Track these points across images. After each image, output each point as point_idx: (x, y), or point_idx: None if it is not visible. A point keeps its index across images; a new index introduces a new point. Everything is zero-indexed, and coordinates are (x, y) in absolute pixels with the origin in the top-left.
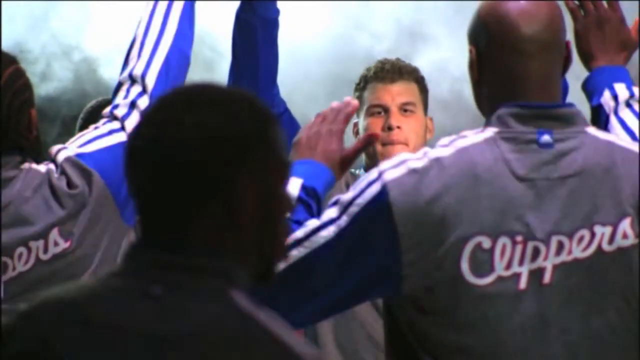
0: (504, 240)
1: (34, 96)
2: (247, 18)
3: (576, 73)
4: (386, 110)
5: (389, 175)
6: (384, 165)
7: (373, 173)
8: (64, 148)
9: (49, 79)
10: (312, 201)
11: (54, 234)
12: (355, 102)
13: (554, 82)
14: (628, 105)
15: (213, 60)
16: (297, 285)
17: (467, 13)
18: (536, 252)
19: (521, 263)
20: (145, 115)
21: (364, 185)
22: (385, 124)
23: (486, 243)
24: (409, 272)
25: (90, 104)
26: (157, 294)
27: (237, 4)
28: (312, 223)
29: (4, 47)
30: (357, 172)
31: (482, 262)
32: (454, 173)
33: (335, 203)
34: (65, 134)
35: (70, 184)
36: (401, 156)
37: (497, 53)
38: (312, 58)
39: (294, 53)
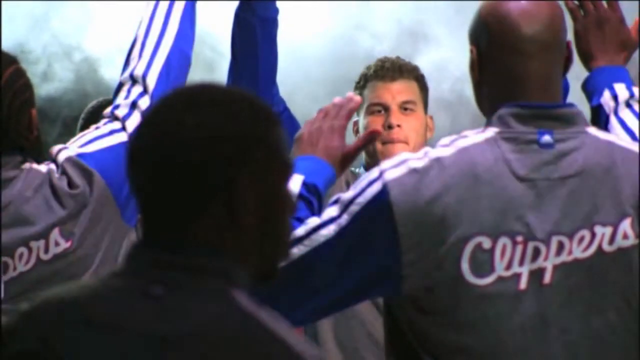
0: (504, 241)
1: (34, 96)
2: (246, 17)
3: (576, 73)
4: (386, 108)
5: (390, 175)
6: (384, 164)
7: (374, 172)
8: (65, 148)
9: (49, 80)
10: (313, 198)
11: (55, 234)
12: (358, 97)
13: (555, 82)
14: (628, 105)
15: (214, 60)
16: (297, 283)
17: (468, 13)
18: (536, 253)
19: (521, 263)
20: (146, 115)
21: (364, 185)
22: (386, 122)
23: (486, 243)
24: (409, 272)
25: (91, 104)
26: (157, 294)
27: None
28: (313, 221)
29: (5, 48)
30: (357, 170)
31: (483, 262)
32: (454, 173)
33: (335, 202)
34: (66, 134)
35: (71, 184)
36: (402, 156)
37: (498, 53)
38: (312, 58)
39: (295, 53)
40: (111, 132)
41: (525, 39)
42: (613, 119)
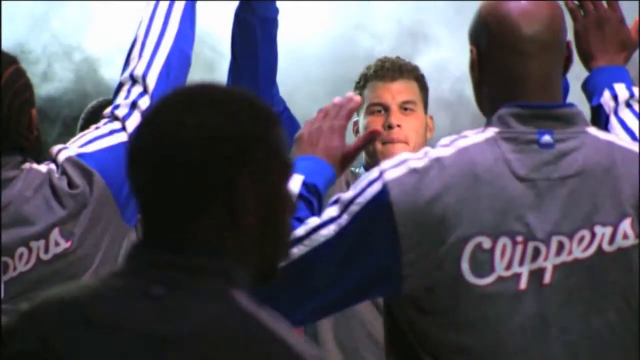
0: (504, 241)
1: (34, 96)
2: (246, 17)
3: (576, 73)
4: (386, 108)
5: (390, 175)
6: (384, 164)
7: (374, 172)
8: (65, 148)
9: (50, 80)
10: (313, 198)
11: (55, 234)
12: (358, 97)
13: (555, 82)
14: (628, 105)
15: (214, 60)
16: (297, 283)
17: (468, 13)
18: (536, 253)
19: (521, 263)
20: (146, 115)
21: (364, 185)
22: (386, 122)
23: (486, 243)
24: (409, 272)
25: (91, 104)
26: (157, 294)
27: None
28: (313, 221)
29: (5, 47)
30: (357, 170)
31: (483, 262)
32: (454, 173)
33: (335, 202)
34: (66, 135)
35: (71, 184)
36: (402, 156)
37: (498, 53)
38: (312, 58)
39: (295, 53)
40: (111, 132)
41: (525, 39)
42: (613, 119)
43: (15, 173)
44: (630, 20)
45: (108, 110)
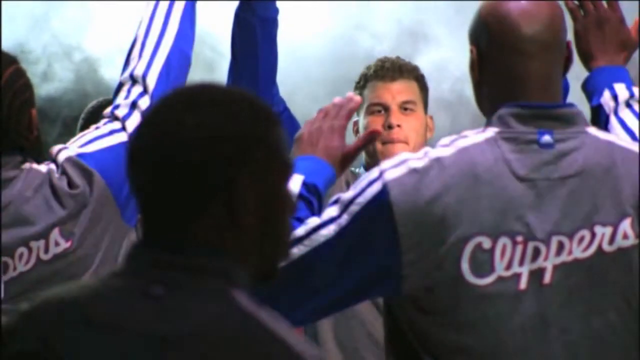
0: (504, 241)
1: (34, 96)
2: (246, 17)
3: (576, 73)
4: (386, 108)
5: (390, 175)
6: (384, 164)
7: (374, 172)
8: (65, 148)
9: (50, 80)
10: (313, 198)
11: (55, 234)
12: (358, 97)
13: (555, 82)
14: (628, 105)
15: (214, 60)
16: (297, 283)
17: (468, 13)
18: (536, 253)
19: (521, 263)
20: (146, 115)
21: (364, 185)
22: (386, 122)
23: (486, 243)
24: (409, 272)
25: (91, 104)
26: (157, 294)
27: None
28: (313, 221)
29: (5, 48)
30: (357, 170)
31: (483, 262)
32: (454, 173)
33: (335, 202)
34: (66, 135)
35: (71, 184)
36: (402, 156)
37: (498, 53)
38: (312, 58)
39: (295, 53)
40: (111, 132)
41: (526, 39)
42: (613, 119)
43: (15, 173)
44: (630, 20)
45: (108, 110)
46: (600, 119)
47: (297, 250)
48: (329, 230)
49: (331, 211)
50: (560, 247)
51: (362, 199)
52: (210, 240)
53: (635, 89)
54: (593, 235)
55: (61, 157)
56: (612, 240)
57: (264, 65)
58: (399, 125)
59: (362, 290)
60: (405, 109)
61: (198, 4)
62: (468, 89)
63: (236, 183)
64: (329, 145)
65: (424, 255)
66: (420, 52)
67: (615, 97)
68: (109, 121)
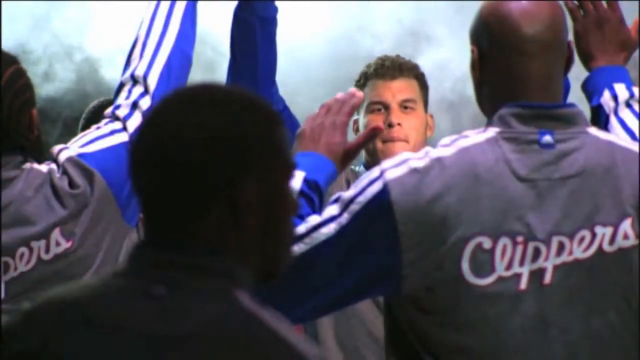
0: (504, 241)
1: (34, 96)
2: (245, 17)
3: (576, 73)
4: (386, 107)
5: (391, 174)
6: (385, 164)
7: (375, 171)
8: (66, 148)
9: (50, 80)
10: (314, 195)
11: (56, 233)
12: (360, 93)
13: (556, 82)
14: (628, 105)
15: (215, 60)
16: (297, 282)
17: (469, 13)
18: (537, 253)
19: (522, 263)
20: (148, 116)
21: (365, 184)
22: (386, 121)
23: (487, 243)
24: (409, 271)
25: (92, 104)
26: (159, 294)
27: None
28: (314, 219)
29: (6, 48)
30: (358, 169)
31: (483, 263)
32: (455, 173)
33: (336, 200)
34: (67, 135)
35: (72, 184)
36: (403, 155)
37: (499, 53)
38: (313, 59)
39: (295, 54)
40: (112, 132)
41: (527, 39)
42: (613, 119)
43: (16, 173)
44: (630, 20)
45: (109, 110)
46: (600, 119)
47: (297, 249)
48: (330, 229)
49: (332, 210)
50: (561, 247)
51: (362, 198)
52: (212, 240)
53: (635, 89)
54: (593, 235)
55: (62, 157)
56: (612, 240)
57: (264, 65)
58: (399, 124)
59: (362, 289)
60: (406, 107)
61: (199, 4)
62: (469, 89)
63: (238, 183)
64: (330, 141)
65: (424, 255)
66: (421, 52)
67: (615, 97)
68: (110, 121)
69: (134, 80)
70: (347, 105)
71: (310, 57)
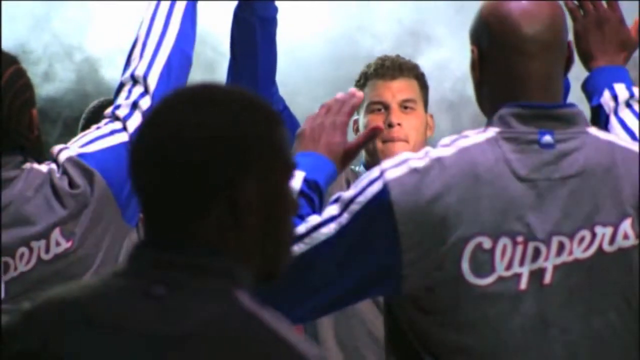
0: (504, 241)
1: (34, 96)
2: (245, 17)
3: (576, 73)
4: (386, 107)
5: (391, 174)
6: (385, 164)
7: (375, 171)
8: (66, 148)
9: (51, 80)
10: (314, 195)
11: (56, 233)
12: (360, 93)
13: (556, 82)
14: (628, 105)
15: (215, 60)
16: (296, 281)
17: (468, 13)
18: (537, 253)
19: (522, 263)
20: (148, 116)
21: (365, 184)
22: (386, 121)
23: (487, 243)
24: (409, 271)
25: (92, 104)
26: (159, 294)
27: None
28: (314, 219)
29: (6, 48)
30: (357, 169)
31: (483, 263)
32: (455, 173)
33: (336, 200)
34: (67, 135)
35: (72, 184)
36: (403, 155)
37: (499, 53)
38: (313, 59)
39: (295, 54)
40: (112, 132)
41: (527, 39)
42: (613, 119)
43: (16, 173)
44: (630, 20)
45: (109, 110)
46: (600, 119)
47: (297, 248)
48: (330, 229)
49: (332, 210)
50: (561, 247)
51: (362, 198)
52: (212, 240)
53: (635, 89)
54: (593, 235)
55: (62, 157)
56: (612, 240)
57: (264, 65)
58: (399, 124)
59: (362, 289)
60: (406, 107)
61: (199, 4)
62: (469, 89)
63: (238, 183)
64: (330, 141)
65: (424, 255)
66: (421, 52)
67: (615, 97)
68: (110, 121)
69: (134, 80)
70: (347, 105)
71: (311, 57)
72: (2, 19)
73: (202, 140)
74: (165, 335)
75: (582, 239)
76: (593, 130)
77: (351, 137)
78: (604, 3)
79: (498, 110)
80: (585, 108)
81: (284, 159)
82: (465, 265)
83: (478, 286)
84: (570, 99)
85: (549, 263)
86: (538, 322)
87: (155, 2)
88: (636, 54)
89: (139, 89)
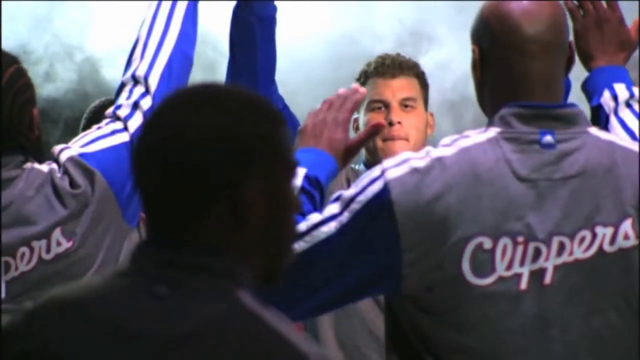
0: (505, 241)
1: (35, 96)
2: (244, 16)
3: (576, 73)
4: (387, 105)
5: (391, 174)
6: (386, 163)
7: (375, 171)
8: (67, 148)
9: (51, 80)
10: (315, 191)
11: (57, 233)
12: (363, 89)
13: (557, 82)
14: (628, 105)
15: (215, 60)
16: (297, 279)
17: (469, 13)
18: (537, 253)
19: (522, 263)
20: (149, 116)
21: (366, 183)
22: (386, 119)
23: (487, 243)
24: (409, 271)
25: (93, 104)
26: (161, 294)
27: None
28: (314, 217)
29: (7, 48)
30: (357, 167)
31: (483, 263)
32: (455, 173)
33: (337, 199)
34: (68, 135)
35: (72, 184)
36: (404, 155)
37: (500, 53)
38: (314, 59)
39: (296, 54)
40: (113, 132)
41: (527, 39)
42: (613, 119)
43: (17, 173)
44: (630, 20)
45: (110, 110)
46: (600, 119)
47: (297, 247)
48: (330, 228)
49: (332, 208)
50: (561, 247)
51: (363, 197)
52: (213, 240)
53: (635, 89)
54: (594, 235)
55: (63, 157)
56: (613, 240)
57: (263, 64)
58: (399, 122)
59: (361, 288)
60: (406, 105)
61: (200, 4)
62: (470, 89)
63: (240, 183)
64: (332, 137)
65: (424, 254)
66: (422, 52)
67: (615, 97)
68: (111, 121)
69: (135, 80)
70: (349, 102)
71: (311, 57)
72: (2, 19)
73: (204, 140)
74: (166, 335)
75: (582, 239)
76: (594, 131)
77: (351, 135)
78: (604, 3)
79: (499, 110)
80: (585, 108)
81: (285, 159)
82: (465, 265)
83: (478, 286)
84: (570, 99)
85: (549, 263)
86: (538, 322)
87: (156, 3)
88: (636, 54)
89: (140, 89)
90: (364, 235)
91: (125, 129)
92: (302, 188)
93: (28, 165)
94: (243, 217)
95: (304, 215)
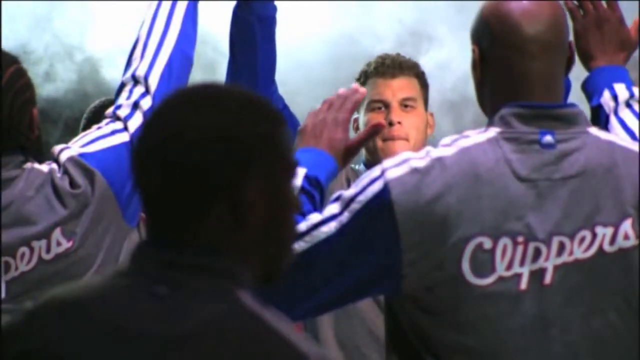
0: (505, 241)
1: (35, 96)
2: (244, 16)
3: (576, 73)
4: (387, 105)
5: (392, 174)
6: (386, 163)
7: (376, 171)
8: (67, 148)
9: (52, 80)
10: (315, 191)
11: (57, 233)
12: (363, 89)
13: (557, 82)
14: (628, 105)
15: (215, 60)
16: (297, 279)
17: (469, 13)
18: (537, 253)
19: (522, 263)
20: (149, 116)
21: (366, 183)
22: (386, 119)
23: (487, 243)
24: (409, 271)
25: (93, 104)
26: (161, 294)
27: None
28: (314, 217)
29: (7, 48)
30: (357, 167)
31: (483, 263)
32: (455, 173)
33: (337, 199)
34: (68, 136)
35: (72, 184)
36: (404, 155)
37: (500, 53)
38: (314, 60)
39: (296, 55)
40: (113, 132)
41: (527, 39)
42: (613, 119)
43: (17, 173)
44: (630, 20)
45: (110, 110)
46: (600, 119)
47: (297, 247)
48: (330, 228)
49: (332, 208)
50: (561, 247)
51: (363, 197)
52: (214, 240)
53: (635, 89)
54: (594, 235)
55: (63, 157)
56: (613, 240)
57: (263, 64)
58: (399, 122)
59: (361, 288)
60: (406, 105)
61: (200, 4)
62: (470, 89)
63: (240, 183)
64: (332, 137)
65: (424, 254)
66: (422, 53)
67: (615, 97)
68: (111, 121)
69: (135, 80)
70: (349, 102)
71: (311, 57)
72: (2, 19)
73: (204, 140)
74: (166, 335)
75: (582, 239)
76: (594, 131)
77: (351, 135)
78: (604, 3)
79: (499, 110)
80: (585, 108)
81: (285, 159)
82: (465, 265)
83: (478, 286)
84: (570, 99)
85: (549, 263)
86: (538, 322)
87: (156, 3)
88: (636, 54)
89: (140, 89)
90: (364, 235)
91: (125, 129)
92: (302, 188)
93: (28, 165)
94: (243, 217)
95: (304, 215)
